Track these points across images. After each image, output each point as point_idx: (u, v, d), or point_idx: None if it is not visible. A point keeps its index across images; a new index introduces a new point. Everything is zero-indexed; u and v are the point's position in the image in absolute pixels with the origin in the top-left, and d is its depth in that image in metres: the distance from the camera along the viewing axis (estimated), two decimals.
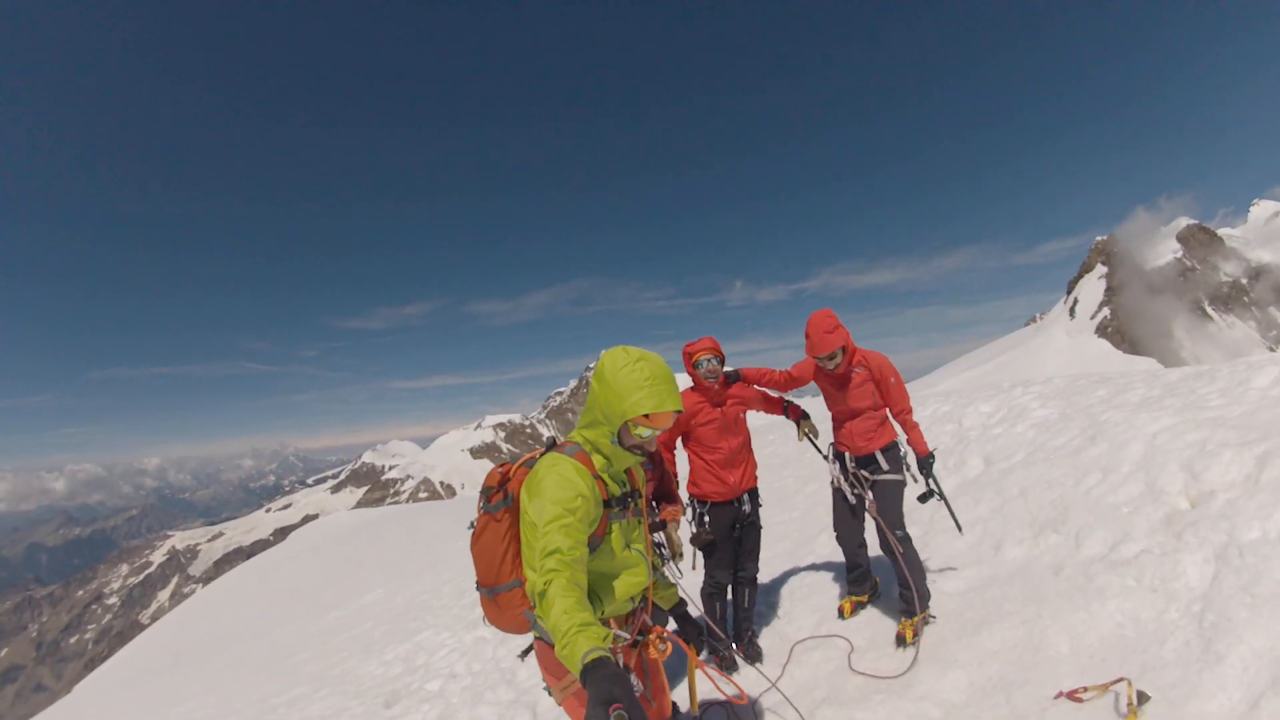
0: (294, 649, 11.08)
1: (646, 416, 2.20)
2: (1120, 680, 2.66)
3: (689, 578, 4.16)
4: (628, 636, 2.39)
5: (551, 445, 2.37)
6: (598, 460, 2.33)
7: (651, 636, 2.53)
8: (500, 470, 2.40)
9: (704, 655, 4.16)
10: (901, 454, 4.17)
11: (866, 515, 4.20)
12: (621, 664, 2.31)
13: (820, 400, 4.51)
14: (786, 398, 4.48)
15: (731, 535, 4.14)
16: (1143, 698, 2.51)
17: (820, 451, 4.86)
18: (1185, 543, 3.31)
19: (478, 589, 2.34)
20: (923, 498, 4.09)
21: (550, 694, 2.31)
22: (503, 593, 2.24)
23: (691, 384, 4.06)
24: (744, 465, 4.14)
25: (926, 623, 3.88)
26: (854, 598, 4.35)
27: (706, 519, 4.08)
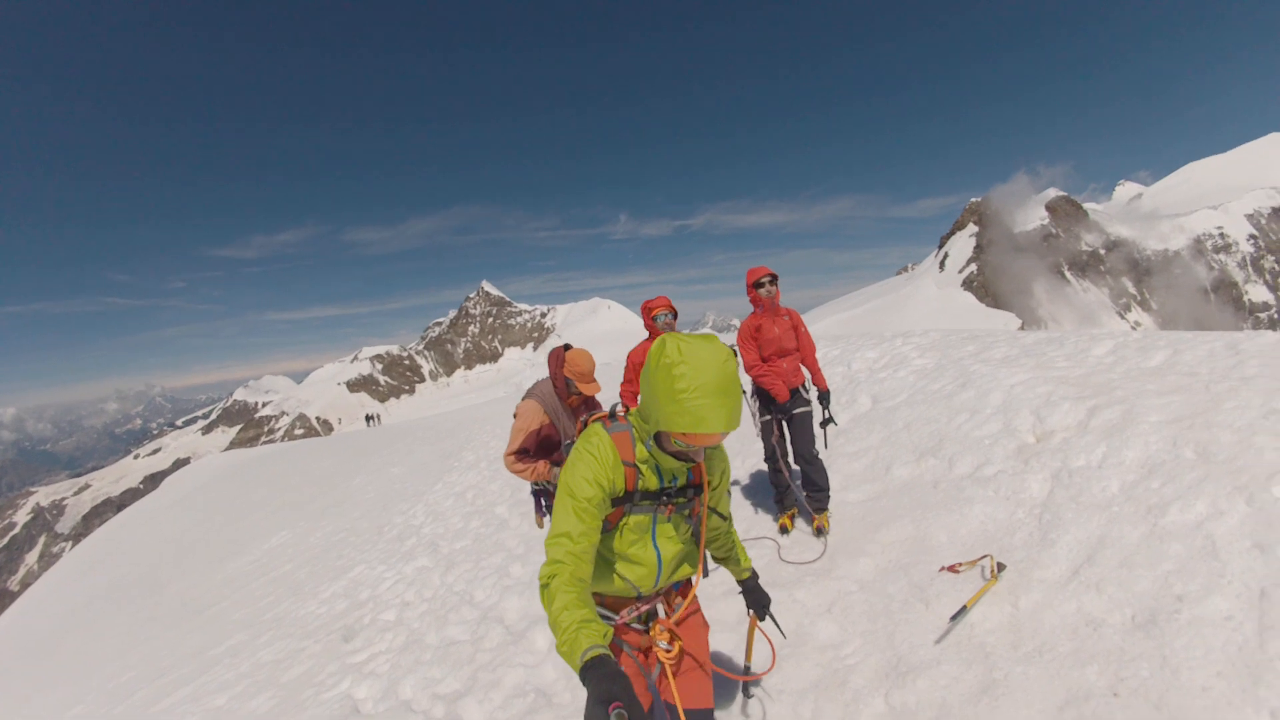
0: (208, 599, 10.29)
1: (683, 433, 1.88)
2: (985, 556, 3.67)
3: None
4: (616, 618, 2.24)
5: (611, 412, 2.19)
6: (640, 450, 2.06)
7: (655, 627, 2.26)
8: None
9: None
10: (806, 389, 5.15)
11: (786, 442, 5.08)
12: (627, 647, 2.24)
13: None
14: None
15: None
16: (1001, 567, 3.50)
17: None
18: (1031, 467, 4.38)
19: None
20: (823, 424, 5.11)
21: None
22: None
23: (648, 335, 4.88)
24: None
25: (830, 518, 4.85)
26: (790, 511, 5.16)
27: None
